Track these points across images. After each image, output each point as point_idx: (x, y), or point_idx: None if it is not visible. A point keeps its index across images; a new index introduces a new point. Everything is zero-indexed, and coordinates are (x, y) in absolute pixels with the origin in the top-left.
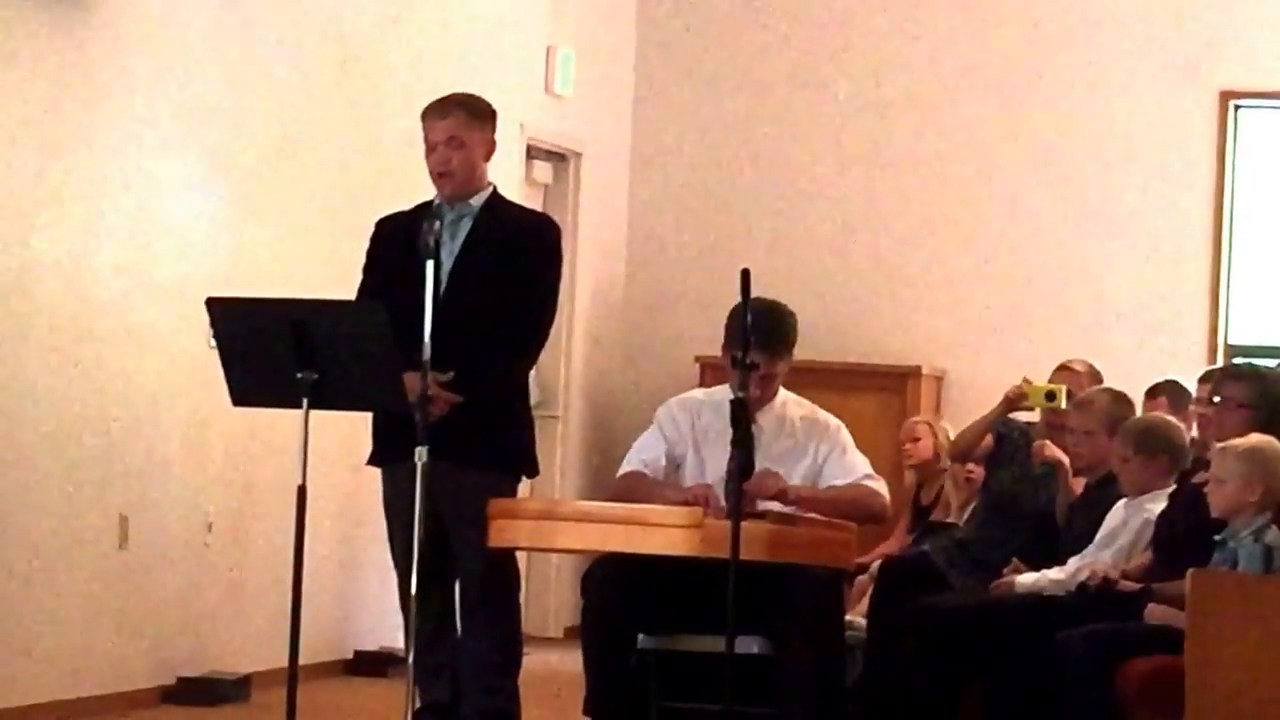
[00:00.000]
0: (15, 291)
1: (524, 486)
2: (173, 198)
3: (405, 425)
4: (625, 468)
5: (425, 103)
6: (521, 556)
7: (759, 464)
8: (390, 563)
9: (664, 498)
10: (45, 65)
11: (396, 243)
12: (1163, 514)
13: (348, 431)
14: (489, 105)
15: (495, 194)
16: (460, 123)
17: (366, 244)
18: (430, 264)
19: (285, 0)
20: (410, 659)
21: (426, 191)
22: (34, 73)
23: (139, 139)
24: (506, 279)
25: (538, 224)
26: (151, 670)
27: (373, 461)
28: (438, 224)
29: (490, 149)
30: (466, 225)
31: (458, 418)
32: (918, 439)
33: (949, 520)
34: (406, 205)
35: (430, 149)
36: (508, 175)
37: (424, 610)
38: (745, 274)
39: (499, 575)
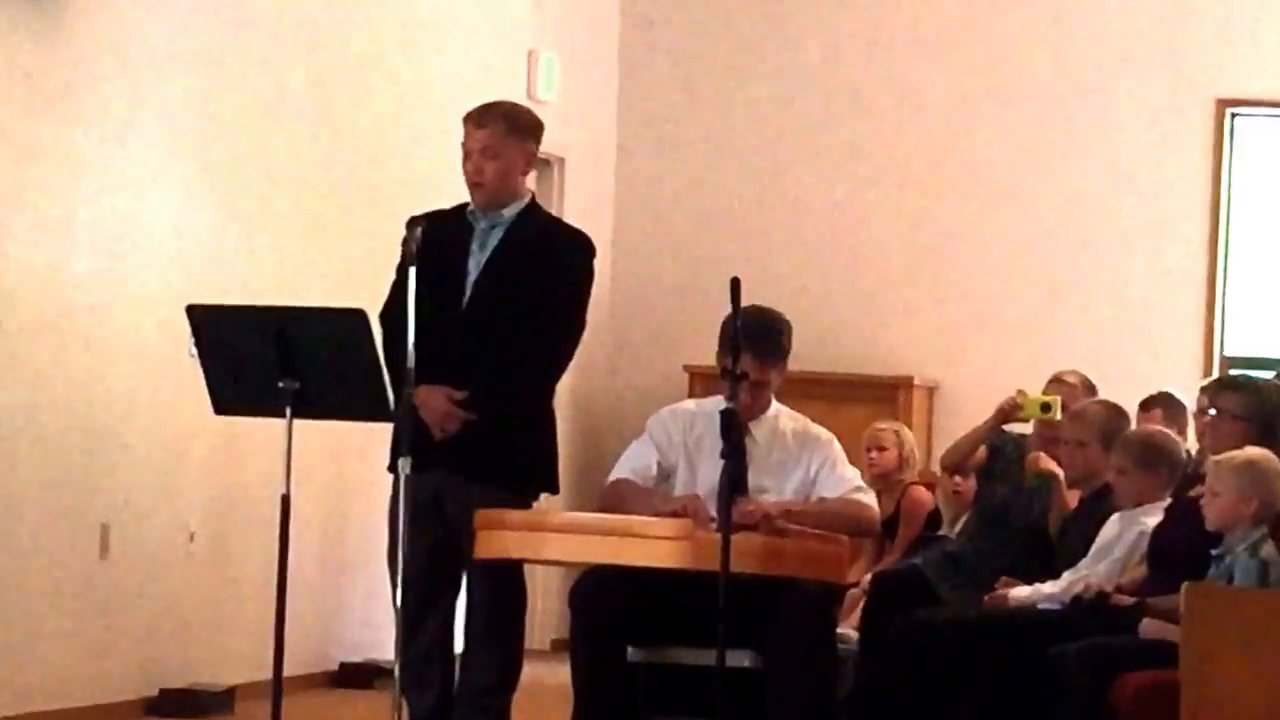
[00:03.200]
0: None
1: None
2: (151, 204)
3: (419, 433)
4: (615, 475)
5: (409, 107)
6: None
7: (753, 476)
8: (383, 573)
9: (652, 507)
10: (20, 69)
11: (428, 244)
12: (1158, 527)
13: (332, 440)
14: (533, 117)
15: (532, 205)
16: (497, 134)
17: (353, 247)
18: (413, 271)
19: (264, 4)
20: (397, 669)
21: (412, 198)
22: (9, 77)
23: (116, 144)
24: (531, 294)
25: (570, 240)
26: (134, 682)
27: (390, 467)
28: (418, 230)
29: (529, 162)
30: (498, 236)
31: (474, 432)
32: (884, 448)
33: (941, 533)
34: (388, 210)
35: (465, 156)
36: None
37: (425, 623)
38: (735, 283)
39: (507, 594)
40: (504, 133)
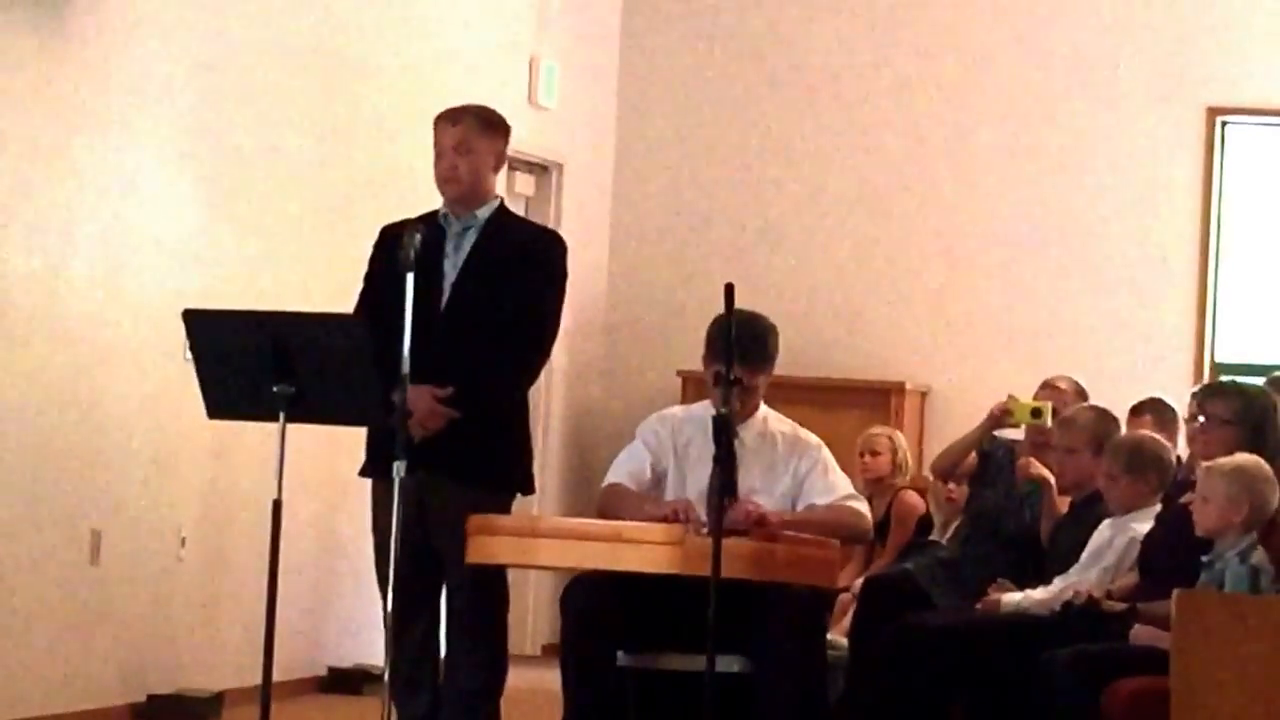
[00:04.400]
0: None
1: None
2: (149, 208)
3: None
4: (609, 479)
5: (408, 113)
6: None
7: (741, 480)
8: (372, 578)
9: (644, 512)
10: (21, 74)
11: (400, 250)
12: (1149, 534)
13: (324, 446)
14: (501, 117)
15: (502, 207)
16: (470, 130)
17: (349, 253)
18: (410, 276)
19: (266, 9)
20: (386, 675)
21: (406, 201)
22: (9, 81)
23: (115, 149)
24: (509, 294)
25: (544, 239)
26: (122, 687)
27: (364, 472)
28: (417, 236)
29: (500, 160)
30: (471, 237)
31: (454, 432)
32: (878, 453)
33: (932, 539)
34: (386, 216)
35: (439, 155)
36: None
37: (410, 627)
38: (729, 289)
39: (488, 595)
40: (476, 129)
